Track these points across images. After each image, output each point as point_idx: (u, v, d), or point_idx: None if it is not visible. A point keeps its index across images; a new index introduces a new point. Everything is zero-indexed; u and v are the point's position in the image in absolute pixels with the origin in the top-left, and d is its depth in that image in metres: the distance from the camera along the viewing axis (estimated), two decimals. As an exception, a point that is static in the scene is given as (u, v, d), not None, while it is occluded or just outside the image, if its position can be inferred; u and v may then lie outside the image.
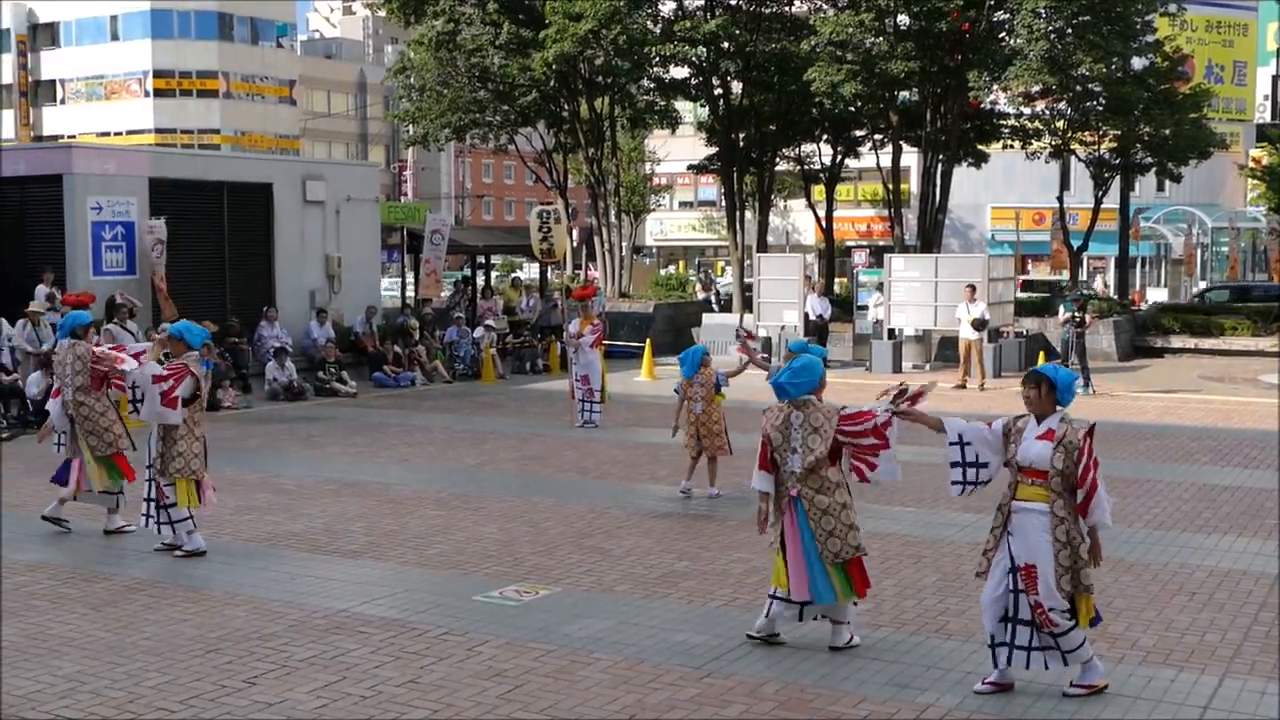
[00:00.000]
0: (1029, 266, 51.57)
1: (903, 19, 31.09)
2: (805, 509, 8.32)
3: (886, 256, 29.48)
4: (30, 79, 76.60)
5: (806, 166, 38.50)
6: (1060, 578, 7.37)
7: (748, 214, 38.21)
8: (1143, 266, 53.61)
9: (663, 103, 37.17)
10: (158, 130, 71.73)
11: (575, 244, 49.12)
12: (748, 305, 31.47)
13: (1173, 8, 34.03)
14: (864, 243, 55.13)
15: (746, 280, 33.60)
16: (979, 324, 24.35)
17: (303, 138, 79.52)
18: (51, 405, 12.24)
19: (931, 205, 33.82)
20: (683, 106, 39.41)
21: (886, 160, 35.13)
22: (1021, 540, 7.54)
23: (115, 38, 74.29)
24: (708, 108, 36.04)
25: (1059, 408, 7.59)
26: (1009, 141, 35.28)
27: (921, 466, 15.63)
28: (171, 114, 72.98)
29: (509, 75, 34.12)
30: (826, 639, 8.62)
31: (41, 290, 21.19)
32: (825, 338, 28.99)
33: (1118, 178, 35.31)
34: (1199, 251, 51.99)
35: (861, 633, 8.79)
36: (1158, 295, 48.75)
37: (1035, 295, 36.07)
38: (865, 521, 12.27)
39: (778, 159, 37.27)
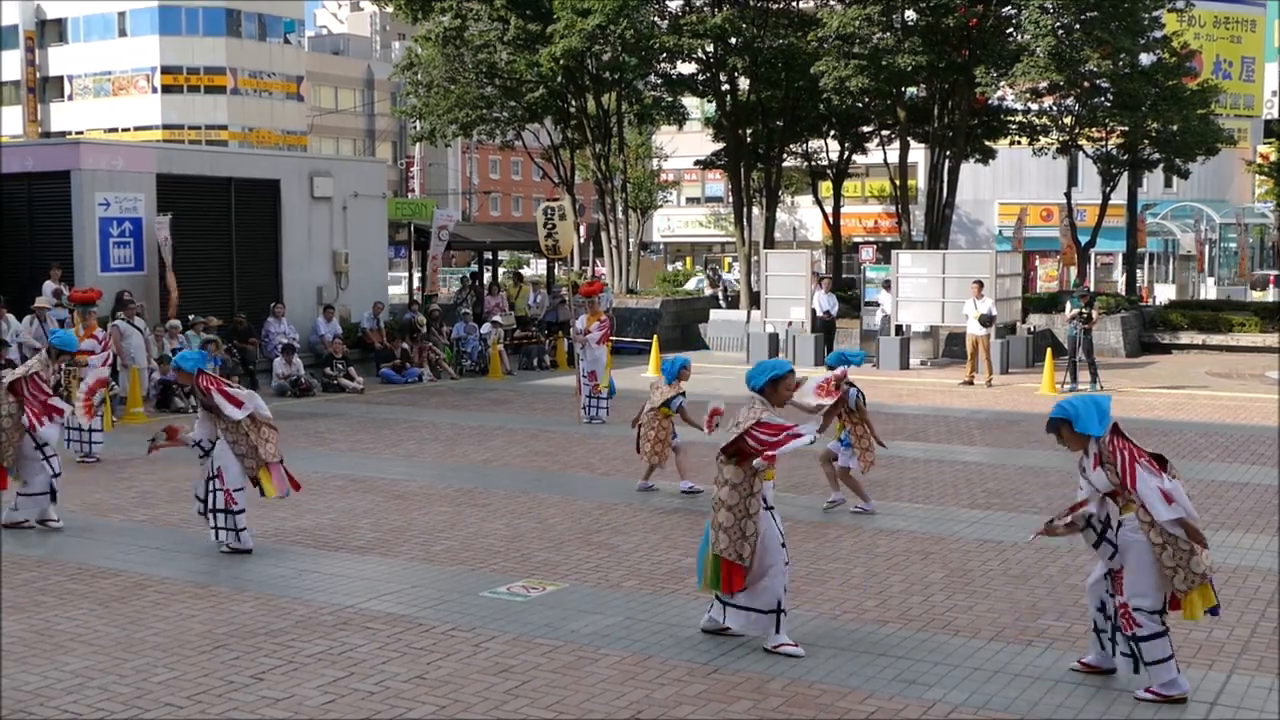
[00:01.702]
0: (1036, 262, 51.50)
1: (910, 14, 31.07)
2: None
3: (894, 253, 29.46)
4: (38, 75, 76.70)
5: (814, 163, 38.48)
6: (1172, 576, 7.32)
7: (755, 210, 38.20)
8: (1151, 263, 53.51)
9: (670, 99, 37.20)
10: (165, 126, 71.81)
11: (582, 240, 49.10)
12: (755, 302, 31.46)
13: (1180, 3, 33.96)
14: (871, 239, 55.11)
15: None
16: (986, 320, 24.33)
17: (310, 134, 79.59)
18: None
19: (939, 201, 33.79)
20: (690, 103, 39.43)
21: (894, 156, 35.11)
22: (1121, 549, 7.54)
23: (123, 34, 74.37)
24: (715, 104, 36.04)
25: (1094, 436, 7.55)
26: (1016, 137, 35.24)
27: (930, 463, 15.65)
28: (179, 110, 73.06)
29: (516, 71, 34.15)
30: (831, 636, 8.63)
31: (49, 286, 21.25)
32: (833, 334, 28.99)
33: (1125, 174, 35.24)
34: (1207, 248, 51.89)
35: (868, 629, 8.80)
36: (1166, 292, 48.69)
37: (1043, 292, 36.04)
38: (874, 519, 12.31)
39: (785, 155, 37.27)
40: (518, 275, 35.06)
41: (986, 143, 35.45)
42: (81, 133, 68.35)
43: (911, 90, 34.02)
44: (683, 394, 13.64)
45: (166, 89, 73.49)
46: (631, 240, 39.70)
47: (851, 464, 12.50)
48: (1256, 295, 45.64)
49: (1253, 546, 11.28)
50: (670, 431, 13.60)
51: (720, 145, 37.43)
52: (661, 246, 67.02)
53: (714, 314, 33.16)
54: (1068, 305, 25.23)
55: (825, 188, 39.43)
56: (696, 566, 8.83)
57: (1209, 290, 49.54)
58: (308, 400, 22.39)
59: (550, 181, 39.75)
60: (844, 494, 12.77)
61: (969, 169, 37.27)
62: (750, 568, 8.28)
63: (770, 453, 8.15)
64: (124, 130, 70.91)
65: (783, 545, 8.40)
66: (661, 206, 61.03)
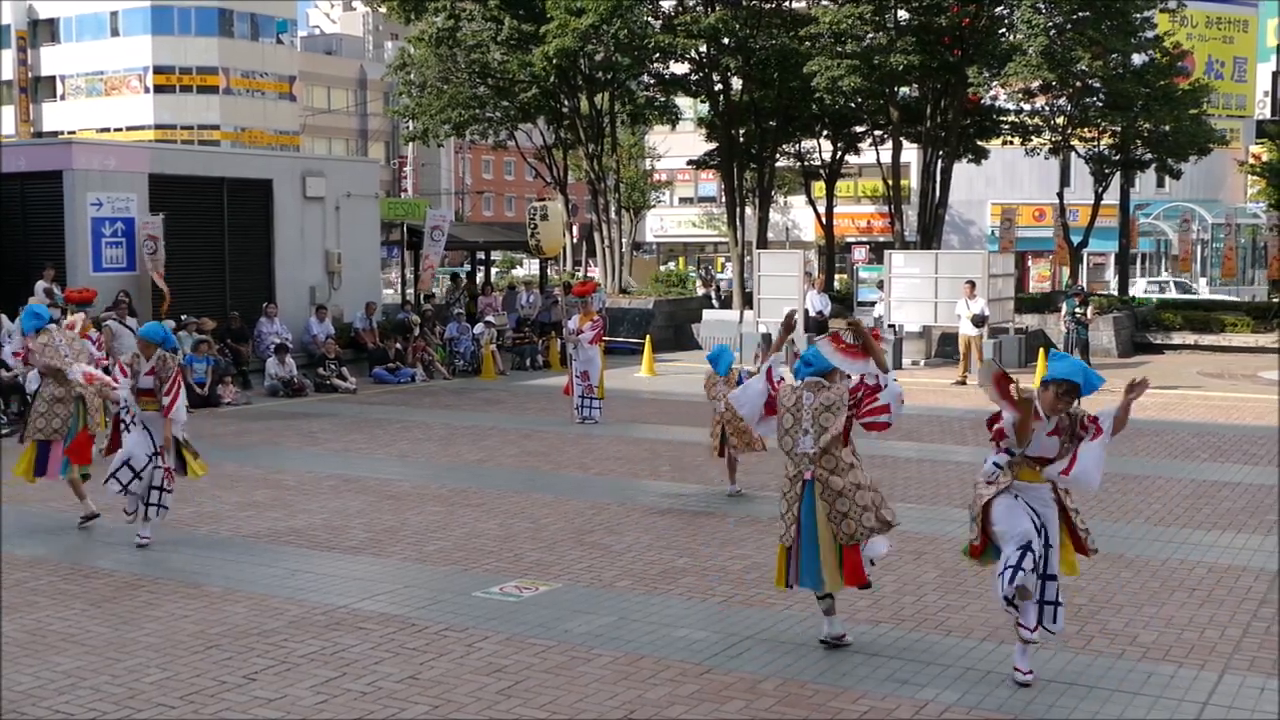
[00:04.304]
0: (1029, 262, 51.54)
1: (902, 14, 31.09)
2: (817, 491, 8.17)
3: (887, 253, 29.48)
4: (30, 75, 76.54)
5: (807, 163, 38.49)
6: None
7: (748, 210, 38.20)
8: (1143, 263, 53.58)
9: (663, 98, 37.20)
10: (158, 126, 71.70)
11: (575, 240, 49.11)
12: (748, 302, 31.46)
13: (1172, 4, 33.99)
14: (864, 239, 55.14)
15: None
16: (979, 320, 24.35)
17: (303, 134, 79.45)
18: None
19: (931, 201, 33.80)
20: (683, 102, 39.43)
21: (887, 156, 35.13)
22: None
23: (115, 34, 74.24)
24: (708, 104, 36.05)
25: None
26: (1009, 138, 35.27)
27: (923, 463, 15.66)
28: (172, 110, 72.94)
29: (509, 71, 34.14)
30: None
31: (41, 286, 21.20)
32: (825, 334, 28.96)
33: (1118, 174, 35.29)
34: (1199, 248, 51.96)
35: (861, 629, 8.80)
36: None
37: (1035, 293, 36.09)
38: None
39: (778, 155, 37.26)
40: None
41: (979, 143, 35.45)
42: (74, 132, 68.16)
43: (904, 90, 34.03)
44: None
45: (159, 89, 73.37)
46: (625, 240, 39.71)
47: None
48: None
49: (1245, 546, 11.30)
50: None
51: (713, 145, 37.41)
52: (655, 246, 67.02)
53: (707, 314, 33.16)
54: (1063, 305, 25.27)
55: (818, 188, 39.44)
56: (792, 572, 8.26)
57: (1201, 290, 49.62)
58: (300, 400, 22.37)
59: (543, 181, 39.73)
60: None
61: (962, 169, 37.27)
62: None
63: (873, 410, 8.17)
64: (116, 130, 70.77)
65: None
66: (654, 206, 61.04)
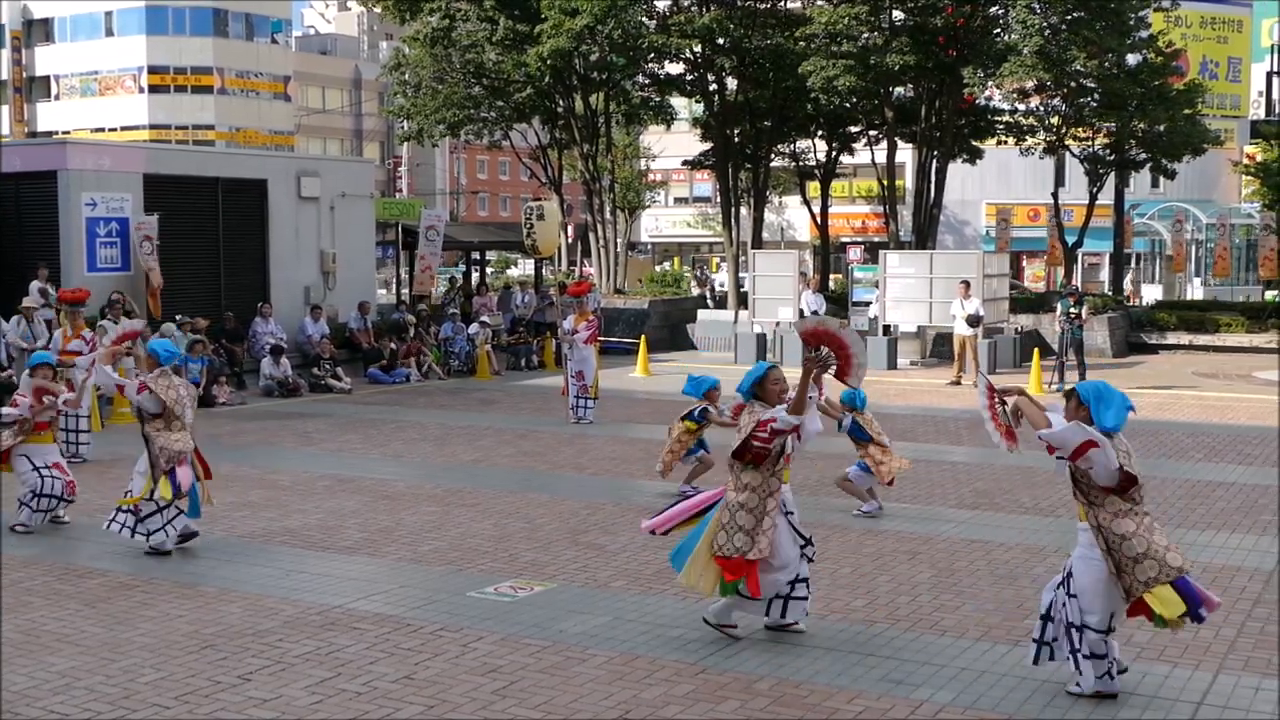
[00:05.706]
0: (1024, 263, 51.56)
1: (897, 14, 31.11)
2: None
3: (882, 253, 29.51)
4: (24, 75, 76.42)
5: (802, 163, 38.51)
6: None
7: (743, 210, 38.18)
8: (1137, 263, 53.60)
9: (658, 99, 37.21)
10: (152, 126, 71.56)
11: (570, 240, 49.15)
12: (743, 302, 31.48)
13: (1167, 3, 34.02)
14: (859, 239, 55.15)
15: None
16: (973, 320, 24.37)
17: (297, 134, 79.37)
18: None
19: (926, 201, 33.83)
20: (678, 103, 39.45)
21: (882, 156, 35.15)
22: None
23: (110, 34, 74.14)
24: (703, 104, 36.07)
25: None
26: (1003, 138, 35.29)
27: (918, 463, 15.66)
28: (166, 110, 72.83)
29: (504, 71, 34.16)
30: (818, 635, 8.63)
31: (35, 286, 21.17)
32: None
33: (1112, 174, 35.30)
34: (1193, 248, 51.97)
35: (856, 628, 8.81)
36: (1153, 292, 48.79)
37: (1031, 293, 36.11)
38: (862, 518, 12.32)
39: (773, 155, 37.28)
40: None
41: (974, 143, 35.46)
42: (68, 132, 68.05)
43: (899, 90, 34.06)
44: (707, 408, 13.08)
45: (153, 89, 73.25)
46: (619, 240, 39.70)
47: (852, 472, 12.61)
48: None
49: (1239, 546, 11.32)
50: (687, 447, 13.34)
51: (708, 145, 37.43)
52: (649, 247, 67.03)
53: (701, 314, 33.18)
54: (1058, 306, 25.28)
55: (813, 188, 39.45)
56: (679, 558, 8.67)
57: (1195, 291, 49.68)
58: (295, 400, 22.36)
59: (538, 182, 39.79)
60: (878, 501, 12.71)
61: (956, 169, 37.31)
62: (769, 562, 8.41)
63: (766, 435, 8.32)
64: (111, 130, 70.64)
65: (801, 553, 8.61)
66: (649, 207, 61.05)
